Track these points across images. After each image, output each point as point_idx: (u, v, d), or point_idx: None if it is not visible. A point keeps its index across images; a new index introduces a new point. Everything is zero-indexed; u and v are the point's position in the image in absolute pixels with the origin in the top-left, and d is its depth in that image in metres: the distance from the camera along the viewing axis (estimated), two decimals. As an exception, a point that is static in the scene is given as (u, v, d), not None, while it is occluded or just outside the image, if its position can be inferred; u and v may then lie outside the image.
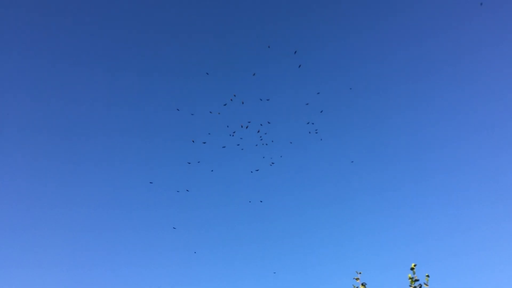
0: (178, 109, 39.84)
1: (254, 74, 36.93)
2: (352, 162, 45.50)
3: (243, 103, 29.21)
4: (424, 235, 43.28)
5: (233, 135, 29.19)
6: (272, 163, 30.76)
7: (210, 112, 30.93)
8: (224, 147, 32.01)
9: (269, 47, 34.58)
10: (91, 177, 46.80)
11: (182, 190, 45.00)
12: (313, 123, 30.98)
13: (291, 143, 37.97)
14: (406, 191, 46.88)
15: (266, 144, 29.60)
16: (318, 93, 34.69)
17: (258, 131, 29.20)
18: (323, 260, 43.48)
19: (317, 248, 44.61)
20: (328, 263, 43.19)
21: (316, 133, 30.64)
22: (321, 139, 41.36)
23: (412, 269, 10.37)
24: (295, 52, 31.62)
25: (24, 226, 42.53)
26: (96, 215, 44.77)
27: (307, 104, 31.88)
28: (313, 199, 48.90)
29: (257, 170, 31.53)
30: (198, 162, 35.82)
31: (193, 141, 34.42)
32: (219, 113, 30.17)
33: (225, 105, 29.08)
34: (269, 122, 29.68)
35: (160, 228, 44.75)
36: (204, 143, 31.41)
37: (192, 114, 37.46)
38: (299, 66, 33.53)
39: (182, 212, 45.44)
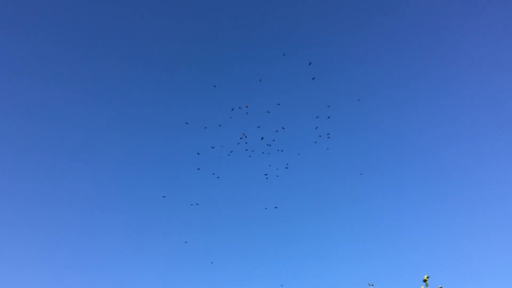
0: (187, 123, 40.06)
1: (260, 80, 36.99)
2: (362, 174, 45.05)
3: (247, 113, 29.21)
4: (436, 245, 42.50)
5: (246, 143, 29.06)
6: (286, 167, 30.63)
7: (220, 125, 31.14)
8: (232, 151, 31.94)
9: (284, 55, 34.68)
10: (103, 181, 46.92)
11: (192, 199, 44.97)
12: (320, 136, 30.78)
13: (298, 154, 37.83)
14: (417, 199, 46.28)
15: (282, 151, 29.48)
16: (328, 106, 34.57)
17: (262, 138, 29.04)
18: (332, 271, 42.88)
19: (325, 259, 44.03)
20: (337, 274, 42.56)
21: (329, 137, 30.40)
22: (327, 148, 41.08)
23: (425, 280, 9.97)
24: (310, 63, 31.61)
25: (31, 226, 42.41)
26: (112, 227, 44.72)
27: (317, 117, 31.75)
28: (318, 208, 48.43)
29: (265, 175, 31.44)
30: (213, 174, 35.87)
31: (198, 153, 34.44)
32: (230, 117, 30.16)
33: (232, 109, 29.00)
34: (283, 128, 29.57)
35: (170, 238, 44.51)
36: (213, 147, 31.37)
37: (205, 128, 37.66)
38: (313, 78, 33.47)
39: (193, 223, 45.26)
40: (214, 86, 39.42)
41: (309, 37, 52.04)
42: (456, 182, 46.31)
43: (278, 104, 32.33)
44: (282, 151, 29.88)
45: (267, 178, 32.06)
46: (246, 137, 28.53)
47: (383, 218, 45.86)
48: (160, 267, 42.79)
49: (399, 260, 42.53)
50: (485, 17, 46.58)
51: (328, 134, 30.39)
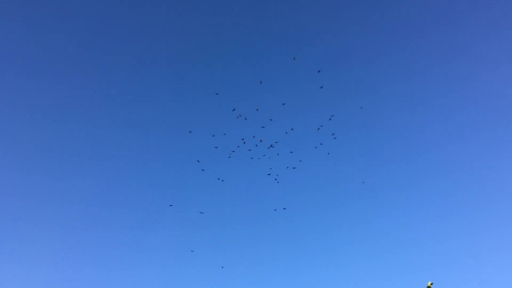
0: (190, 131, 40.14)
1: (261, 82, 37.03)
2: (364, 182, 45.09)
3: (246, 119, 29.31)
4: (439, 246, 42.32)
5: (256, 145, 29.02)
6: (294, 167, 30.71)
7: (224, 134, 31.23)
8: (233, 151, 32.09)
9: (294, 58, 34.98)
10: (109, 182, 46.86)
11: (197, 202, 45.05)
12: (321, 144, 30.77)
13: (300, 161, 37.97)
14: (420, 200, 46.16)
15: (291, 152, 29.51)
16: (333, 115, 34.74)
17: (267, 143, 29.04)
18: (337, 271, 42.74)
19: (331, 260, 43.90)
20: (341, 274, 42.43)
21: (335, 138, 30.42)
22: (328, 153, 41.20)
23: (429, 287, 9.86)
24: (319, 71, 31.76)
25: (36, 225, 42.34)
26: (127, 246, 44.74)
27: (321, 125, 31.79)
28: (325, 209, 48.31)
29: (269, 174, 31.51)
30: (222, 180, 35.91)
31: (198, 161, 34.64)
32: (237, 117, 30.26)
33: (234, 110, 29.10)
34: (292, 129, 29.69)
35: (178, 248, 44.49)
36: (216, 147, 31.57)
37: (213, 136, 37.89)
38: (321, 87, 33.63)
39: (201, 230, 45.29)
40: (216, 94, 39.50)
41: (313, 39, 51.96)
42: (458, 182, 46.23)
43: (283, 104, 32.41)
44: (291, 152, 29.93)
45: (275, 179, 32.11)
46: (245, 143, 28.55)
47: (386, 219, 45.77)
48: (169, 269, 42.76)
49: (403, 261, 42.42)
50: (486, 18, 46.52)
51: (333, 134, 30.35)
